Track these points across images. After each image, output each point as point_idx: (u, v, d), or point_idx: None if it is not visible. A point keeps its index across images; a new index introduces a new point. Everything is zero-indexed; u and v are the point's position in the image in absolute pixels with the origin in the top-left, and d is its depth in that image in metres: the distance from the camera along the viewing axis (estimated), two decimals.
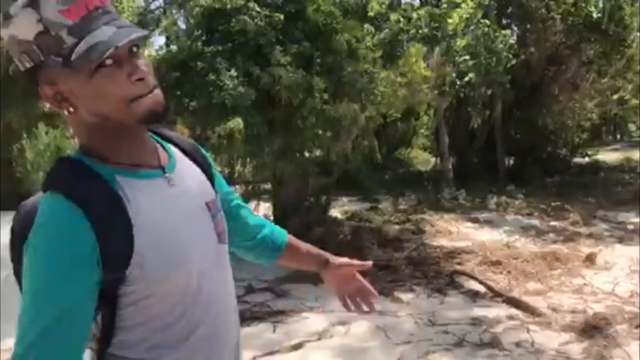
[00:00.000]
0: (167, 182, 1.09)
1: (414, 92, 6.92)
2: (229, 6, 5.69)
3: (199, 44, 5.88)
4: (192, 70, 5.54)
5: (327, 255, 1.54)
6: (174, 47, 6.30)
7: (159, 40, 28.66)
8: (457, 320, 4.76)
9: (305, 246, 1.54)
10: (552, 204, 9.21)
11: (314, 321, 4.92)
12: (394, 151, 15.68)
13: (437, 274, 6.05)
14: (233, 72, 5.35)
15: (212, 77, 5.38)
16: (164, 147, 1.16)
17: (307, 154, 6.54)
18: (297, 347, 4.37)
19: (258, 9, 5.70)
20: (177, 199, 1.09)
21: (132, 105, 1.00)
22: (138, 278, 1.02)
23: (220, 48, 5.57)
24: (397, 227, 7.97)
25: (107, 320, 1.06)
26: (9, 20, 0.96)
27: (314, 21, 5.94)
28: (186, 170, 1.17)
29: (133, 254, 1.00)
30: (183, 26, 7.31)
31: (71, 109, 1.02)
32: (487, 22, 9.34)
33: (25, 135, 10.17)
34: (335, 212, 8.13)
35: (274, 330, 4.75)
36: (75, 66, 0.95)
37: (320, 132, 6.23)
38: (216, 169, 1.31)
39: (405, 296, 5.50)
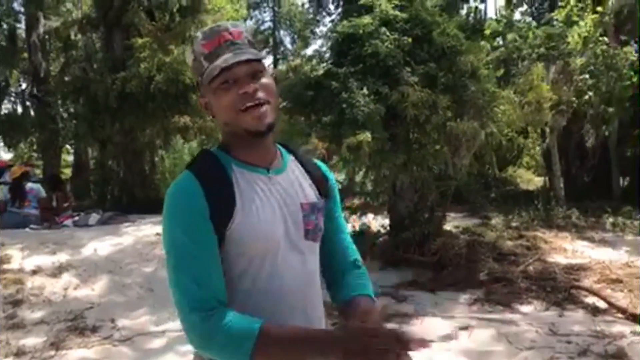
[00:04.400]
0: (268, 179, 1.41)
1: (535, 111, 7.06)
2: (361, 31, 6.23)
3: (331, 65, 6.45)
4: (326, 89, 6.07)
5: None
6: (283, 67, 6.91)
7: (267, 60, 30.29)
8: (579, 332, 4.77)
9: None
10: None
11: (437, 324, 5.13)
12: (500, 170, 15.47)
13: (555, 288, 6.00)
14: (365, 91, 5.83)
15: (344, 95, 5.89)
16: (282, 158, 1.49)
17: (425, 169, 6.83)
18: None
19: (388, 34, 6.17)
20: (272, 193, 1.40)
21: (240, 115, 1.32)
22: (231, 239, 1.33)
23: (352, 69, 6.09)
24: (510, 242, 7.94)
25: None
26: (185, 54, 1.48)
27: (439, 43, 6.30)
28: (293, 177, 1.47)
29: (232, 218, 1.32)
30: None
31: (211, 116, 1.41)
32: (606, 39, 9.20)
33: (162, 147, 11.29)
34: (447, 227, 8.27)
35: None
36: (205, 83, 1.34)
37: (439, 147, 6.55)
38: (337, 191, 1.63)
39: (524, 308, 5.57)
